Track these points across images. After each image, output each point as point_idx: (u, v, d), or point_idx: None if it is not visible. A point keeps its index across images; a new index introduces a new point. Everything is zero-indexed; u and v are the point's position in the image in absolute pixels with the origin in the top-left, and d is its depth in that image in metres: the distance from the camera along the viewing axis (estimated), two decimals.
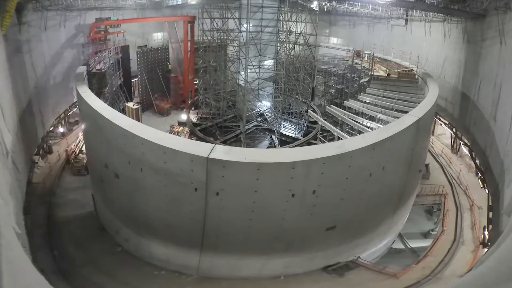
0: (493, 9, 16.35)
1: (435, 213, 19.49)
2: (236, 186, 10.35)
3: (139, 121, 18.08)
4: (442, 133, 26.20)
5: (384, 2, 22.06)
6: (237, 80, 23.23)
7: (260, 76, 21.29)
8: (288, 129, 23.00)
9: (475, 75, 18.80)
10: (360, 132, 14.91)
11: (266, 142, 22.37)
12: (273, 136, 22.34)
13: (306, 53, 23.96)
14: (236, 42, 22.45)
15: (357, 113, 17.34)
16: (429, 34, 25.28)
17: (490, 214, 15.20)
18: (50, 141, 21.79)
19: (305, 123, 22.85)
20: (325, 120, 17.88)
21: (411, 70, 21.84)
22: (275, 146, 21.27)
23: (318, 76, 27.73)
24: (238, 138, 21.74)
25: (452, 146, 23.79)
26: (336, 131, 15.47)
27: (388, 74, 21.50)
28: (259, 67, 21.08)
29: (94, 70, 19.04)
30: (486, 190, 16.78)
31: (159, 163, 10.59)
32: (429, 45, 25.18)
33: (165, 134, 11.12)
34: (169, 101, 30.10)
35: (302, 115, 23.04)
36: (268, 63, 22.50)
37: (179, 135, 22.65)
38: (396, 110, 16.68)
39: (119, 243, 14.20)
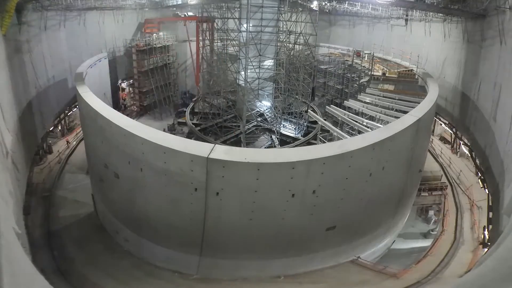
0: (493, 9, 16.35)
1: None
2: (236, 186, 10.35)
3: None
4: (438, 134, 26.26)
5: (384, 2, 22.07)
6: (237, 80, 23.23)
7: (260, 76, 21.28)
8: (288, 129, 22.98)
9: (475, 75, 18.80)
10: (360, 132, 14.91)
11: (266, 142, 22.36)
12: (273, 136, 22.33)
13: (306, 53, 23.97)
14: (236, 42, 22.45)
15: (357, 113, 17.34)
16: (429, 34, 25.28)
17: (490, 214, 15.20)
18: (50, 141, 21.82)
19: (305, 123, 22.84)
20: (325, 120, 17.88)
21: (411, 70, 21.85)
22: (275, 146, 21.26)
23: (318, 76, 27.72)
24: (238, 138, 21.73)
25: (452, 146, 23.79)
26: (336, 131, 15.47)
27: (383, 74, 21.57)
28: (259, 67, 21.07)
29: None
30: (486, 190, 16.77)
31: (159, 163, 10.59)
32: (429, 45, 25.18)
33: (165, 134, 11.12)
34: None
35: (302, 115, 23.04)
36: (268, 63, 22.49)
37: None
38: (396, 110, 16.68)
39: (119, 243, 14.20)
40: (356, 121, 15.95)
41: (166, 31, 31.01)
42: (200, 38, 26.18)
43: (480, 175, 18.41)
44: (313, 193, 10.75)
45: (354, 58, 24.92)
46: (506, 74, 14.88)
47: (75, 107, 23.05)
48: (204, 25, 25.87)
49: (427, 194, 18.77)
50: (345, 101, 19.32)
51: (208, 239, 11.45)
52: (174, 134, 22.54)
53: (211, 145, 10.45)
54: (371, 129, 14.63)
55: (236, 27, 21.86)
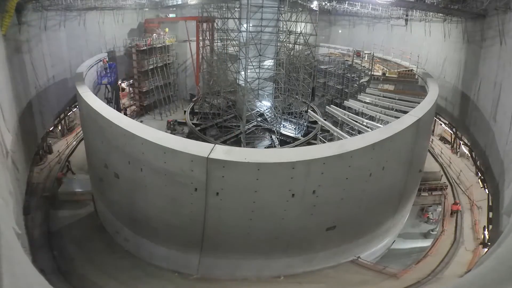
0: (493, 9, 16.35)
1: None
2: (236, 186, 10.35)
3: None
4: (438, 134, 26.28)
5: (384, 2, 22.07)
6: (237, 80, 23.25)
7: (260, 76, 21.30)
8: (288, 129, 23.00)
9: (475, 75, 18.80)
10: (360, 132, 14.91)
11: (266, 142, 22.38)
12: (273, 136, 22.35)
13: (306, 53, 23.98)
14: (236, 42, 22.47)
15: (357, 113, 17.34)
16: (429, 34, 25.28)
17: (490, 214, 15.20)
18: (50, 141, 21.81)
19: (305, 123, 22.85)
20: (325, 120, 17.88)
21: (411, 70, 21.86)
22: (275, 146, 21.27)
23: (318, 76, 27.73)
24: (238, 138, 21.74)
25: (452, 146, 23.80)
26: (336, 131, 15.46)
27: (383, 74, 21.58)
28: (259, 67, 21.09)
29: None
30: (486, 190, 16.77)
31: (159, 163, 10.59)
32: (429, 45, 25.18)
33: (165, 134, 11.12)
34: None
35: (302, 115, 23.05)
36: (268, 63, 22.50)
37: None
38: (396, 110, 16.68)
39: (119, 243, 14.20)
40: (356, 121, 15.94)
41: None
42: (200, 38, 26.21)
43: (480, 175, 18.41)
44: (313, 193, 10.75)
45: (354, 58, 24.93)
46: (506, 74, 14.88)
47: (75, 107, 23.07)
48: (204, 25, 25.89)
49: (427, 194, 18.77)
50: (345, 101, 19.31)
51: (208, 239, 11.45)
52: (174, 134, 22.56)
53: (211, 145, 10.45)
54: (371, 129, 14.62)
55: (236, 27, 21.86)
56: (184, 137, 18.75)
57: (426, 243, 16.83)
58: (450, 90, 22.43)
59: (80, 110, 15.75)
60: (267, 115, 23.54)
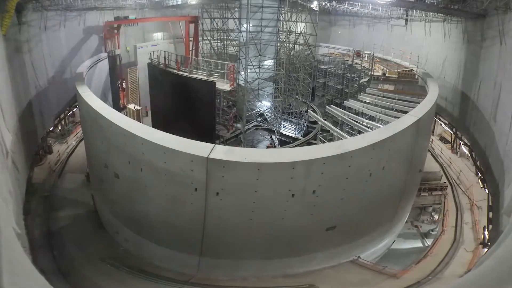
0: (493, 9, 16.35)
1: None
2: (236, 186, 10.35)
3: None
4: (438, 134, 26.28)
5: (384, 2, 22.08)
6: (237, 80, 23.27)
7: (260, 76, 21.31)
8: (288, 129, 23.01)
9: (475, 75, 18.80)
10: (360, 132, 14.91)
11: (266, 142, 22.39)
12: (273, 136, 22.36)
13: (306, 53, 23.99)
14: (236, 42, 22.48)
15: (357, 113, 17.33)
16: (429, 34, 25.29)
17: (490, 214, 15.20)
18: (50, 141, 21.81)
19: (305, 123, 22.86)
20: (325, 120, 17.87)
21: (411, 70, 21.86)
22: (275, 146, 21.28)
23: (318, 76, 27.71)
24: (238, 138, 21.75)
25: (452, 146, 23.80)
26: (336, 131, 15.46)
27: (383, 74, 21.59)
28: (259, 67, 21.10)
29: None
30: (486, 190, 16.77)
31: (159, 163, 10.59)
32: (429, 45, 25.19)
33: (165, 134, 11.12)
34: None
35: (302, 115, 23.05)
36: (268, 63, 22.51)
37: None
38: (396, 110, 16.67)
39: (119, 243, 14.21)
40: (356, 121, 15.94)
41: (162, 31, 30.97)
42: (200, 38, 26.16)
43: (480, 175, 18.41)
44: (313, 193, 10.75)
45: (354, 58, 24.93)
46: (506, 74, 14.88)
47: (75, 107, 23.08)
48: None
49: (427, 194, 18.78)
50: (345, 101, 19.30)
51: (208, 239, 11.46)
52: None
53: (211, 145, 10.45)
54: (371, 129, 14.61)
55: (236, 27, 21.86)
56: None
57: (426, 243, 16.85)
58: (450, 90, 22.43)
59: (80, 110, 15.75)
60: (267, 115, 23.55)
